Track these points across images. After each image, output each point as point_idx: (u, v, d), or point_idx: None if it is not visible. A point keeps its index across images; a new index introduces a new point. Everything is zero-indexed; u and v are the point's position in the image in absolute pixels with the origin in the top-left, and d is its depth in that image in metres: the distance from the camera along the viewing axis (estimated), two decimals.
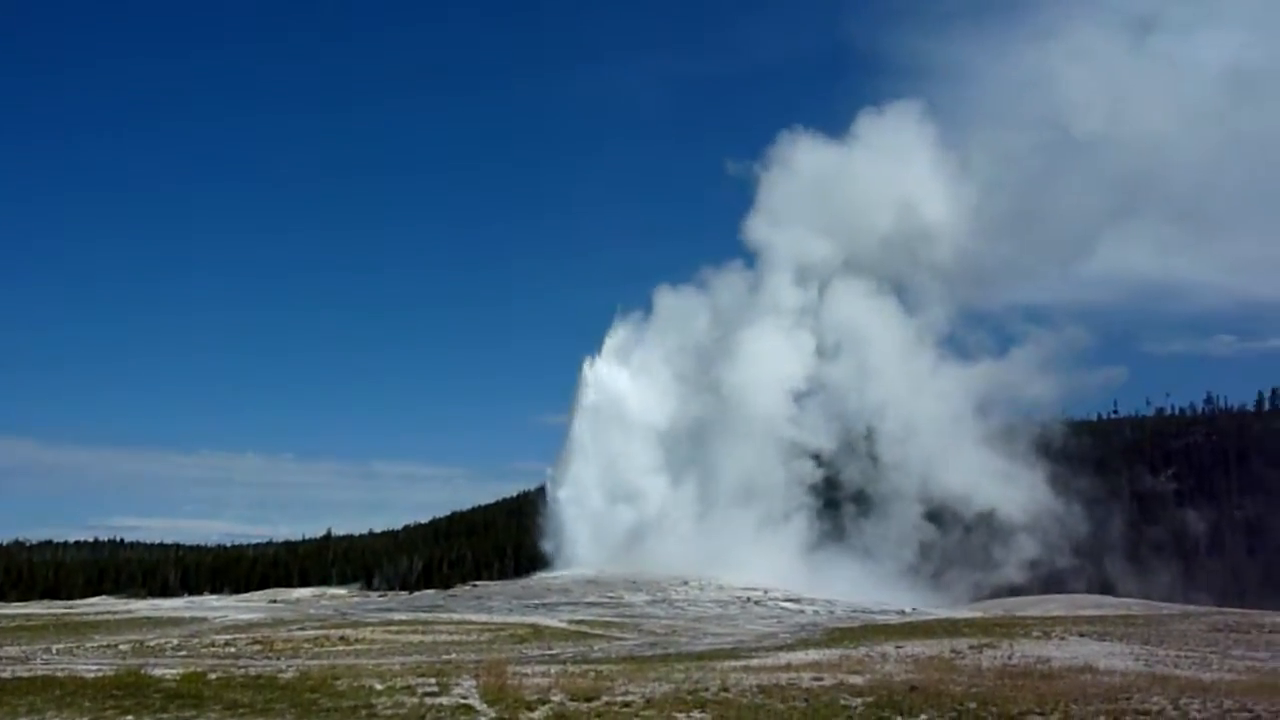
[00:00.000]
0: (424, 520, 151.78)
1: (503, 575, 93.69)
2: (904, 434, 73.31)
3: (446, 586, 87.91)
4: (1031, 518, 72.18)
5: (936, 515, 72.81)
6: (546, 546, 74.45)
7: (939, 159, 79.48)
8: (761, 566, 60.70)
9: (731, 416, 71.69)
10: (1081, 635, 28.09)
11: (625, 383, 77.25)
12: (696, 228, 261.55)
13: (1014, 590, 71.80)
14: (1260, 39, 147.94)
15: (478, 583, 75.27)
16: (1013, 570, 72.55)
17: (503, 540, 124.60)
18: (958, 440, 72.63)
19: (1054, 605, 57.72)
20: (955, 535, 73.40)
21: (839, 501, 75.09)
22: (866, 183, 78.64)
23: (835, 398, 74.39)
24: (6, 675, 19.57)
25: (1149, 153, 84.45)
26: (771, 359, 72.25)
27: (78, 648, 32.33)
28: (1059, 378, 78.60)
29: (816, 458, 72.40)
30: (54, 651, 30.57)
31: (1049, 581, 75.42)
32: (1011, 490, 71.93)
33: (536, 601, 51.07)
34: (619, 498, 73.20)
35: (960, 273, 78.81)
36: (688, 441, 74.50)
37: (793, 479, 70.92)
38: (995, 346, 79.81)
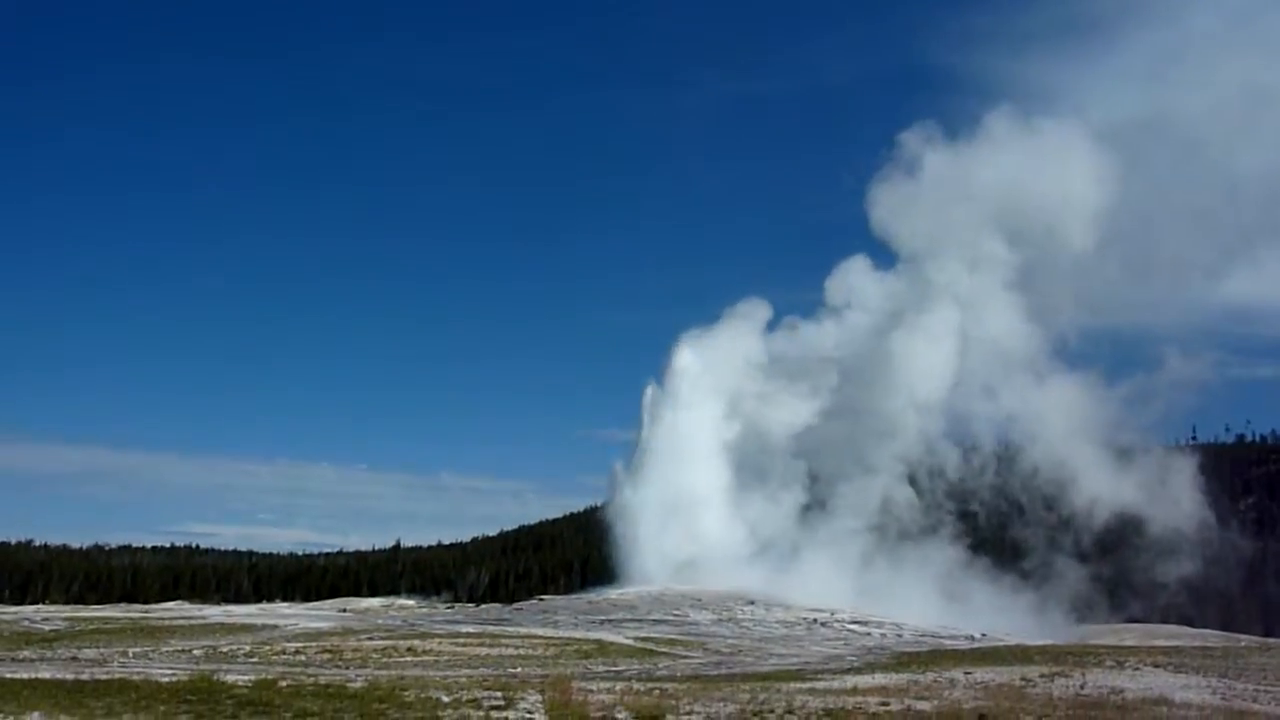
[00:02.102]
0: (492, 533, 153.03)
1: (569, 590, 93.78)
2: (1045, 451, 71.39)
3: (513, 600, 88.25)
4: (1189, 539, 70.28)
5: (1081, 538, 71.32)
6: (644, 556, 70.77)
7: (1067, 173, 76.87)
8: (897, 597, 59.80)
9: (867, 433, 70.24)
10: (1156, 666, 27.46)
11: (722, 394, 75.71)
12: (767, 246, 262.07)
13: (1183, 617, 70.10)
14: None
15: (544, 597, 75.31)
16: (1169, 593, 70.87)
17: (569, 555, 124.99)
18: (1099, 459, 70.55)
19: (1129, 634, 56.59)
20: (1108, 558, 71.89)
21: (975, 526, 73.64)
22: (997, 192, 77.12)
23: (972, 414, 73.63)
24: (85, 677, 19.95)
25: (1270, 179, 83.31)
26: (920, 374, 70.76)
27: (153, 652, 32.89)
28: (1188, 399, 77.09)
29: (951, 481, 71.45)
30: (130, 655, 31.13)
31: (1210, 606, 73.74)
32: (1165, 511, 69.99)
33: (602, 617, 51.04)
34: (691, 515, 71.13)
35: (1083, 293, 77.64)
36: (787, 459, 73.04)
37: (930, 502, 69.85)
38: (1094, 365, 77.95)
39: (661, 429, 74.83)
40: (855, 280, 78.80)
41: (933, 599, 61.72)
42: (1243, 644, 45.70)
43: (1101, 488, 68.92)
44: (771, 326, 79.80)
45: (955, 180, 78.07)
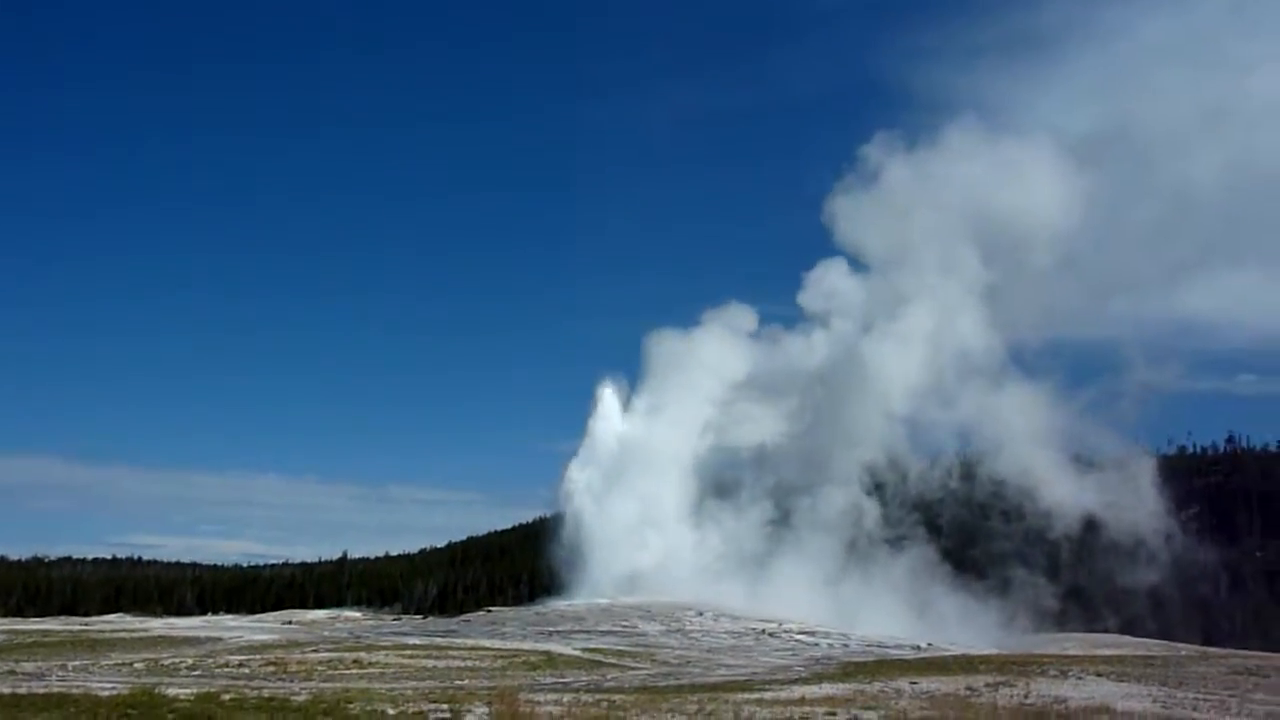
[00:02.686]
0: (440, 544, 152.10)
1: (517, 601, 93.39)
2: (1008, 460, 70.93)
3: (461, 611, 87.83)
4: (1154, 547, 70.22)
5: (1046, 548, 71.55)
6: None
7: (1027, 187, 77.09)
8: (865, 609, 59.91)
9: (835, 444, 69.91)
10: (1099, 675, 27.81)
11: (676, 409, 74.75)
12: (738, 256, 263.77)
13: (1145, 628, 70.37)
14: None
15: (492, 608, 75.02)
16: (1135, 601, 71.33)
17: (518, 566, 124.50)
18: (1062, 468, 70.62)
19: (1071, 643, 57.20)
20: (1075, 567, 72.05)
21: (941, 537, 73.20)
22: (958, 203, 77.58)
23: (934, 424, 73.81)
24: (22, 691, 19.64)
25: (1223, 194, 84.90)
26: (888, 382, 70.47)
27: (93, 665, 32.43)
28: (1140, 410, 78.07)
29: (916, 491, 71.72)
30: (70, 668, 30.66)
31: (1173, 615, 74.44)
32: (1129, 519, 69.76)
33: (550, 629, 50.95)
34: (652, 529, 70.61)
35: (1040, 306, 77.67)
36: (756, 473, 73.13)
37: (895, 514, 69.72)
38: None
39: (628, 435, 74.69)
40: (832, 284, 78.64)
41: (899, 611, 61.70)
42: (1183, 653, 46.34)
43: (1065, 496, 69.36)
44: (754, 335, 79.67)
45: (917, 190, 78.81)
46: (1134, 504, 70.32)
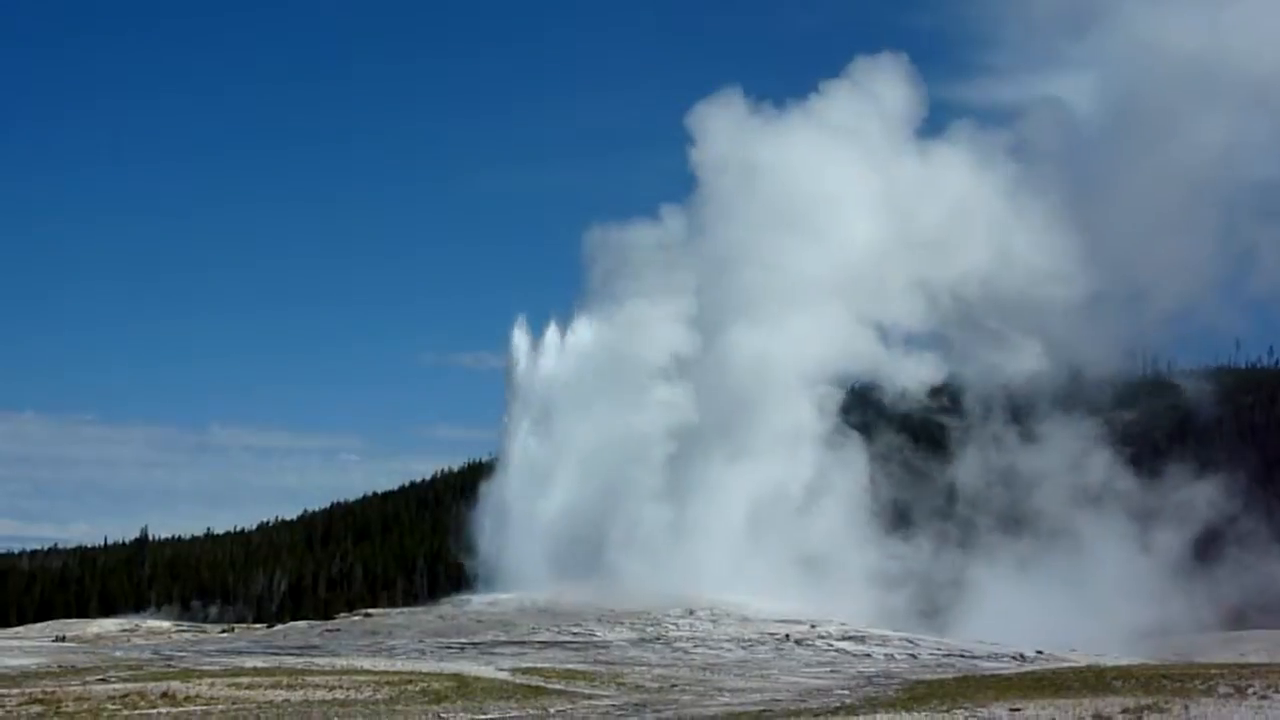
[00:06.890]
0: (291, 515, 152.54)
1: (411, 600, 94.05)
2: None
3: (325, 617, 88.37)
4: None
5: None
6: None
7: None
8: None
9: None
10: None
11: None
12: None
13: None
14: None
15: (372, 611, 75.54)
16: None
17: (411, 547, 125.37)
18: None
19: (1250, 645, 57.86)
20: None
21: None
22: None
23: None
24: None
25: None
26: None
27: None
28: None
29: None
30: None
31: None
32: None
33: (463, 640, 51.34)
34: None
35: None
36: None
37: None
38: None
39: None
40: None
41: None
42: None
43: None
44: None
45: None
46: None
